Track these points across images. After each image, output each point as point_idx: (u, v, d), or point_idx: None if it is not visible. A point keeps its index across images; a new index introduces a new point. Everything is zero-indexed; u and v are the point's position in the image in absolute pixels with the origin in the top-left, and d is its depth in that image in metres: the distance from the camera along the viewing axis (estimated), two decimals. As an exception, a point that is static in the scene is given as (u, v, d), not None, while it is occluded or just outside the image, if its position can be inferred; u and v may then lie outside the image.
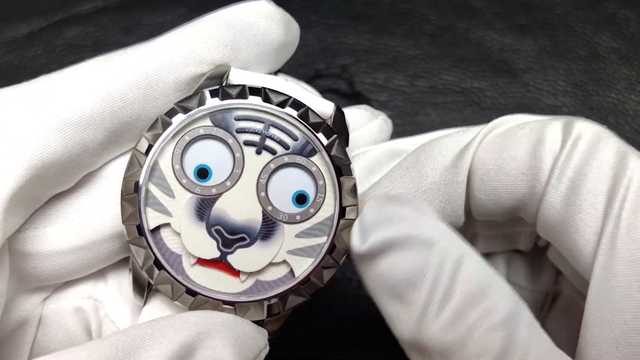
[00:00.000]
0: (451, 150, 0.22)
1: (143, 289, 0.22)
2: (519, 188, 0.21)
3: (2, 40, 0.40)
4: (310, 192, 0.22)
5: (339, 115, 0.23)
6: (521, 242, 0.25)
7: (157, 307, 0.22)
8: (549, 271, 0.21)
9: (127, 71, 0.22)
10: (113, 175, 0.23)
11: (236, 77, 0.23)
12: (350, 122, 0.24)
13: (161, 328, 0.19)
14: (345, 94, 0.40)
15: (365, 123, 0.26)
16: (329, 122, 0.22)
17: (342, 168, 0.22)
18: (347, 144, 0.23)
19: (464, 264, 0.19)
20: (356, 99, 0.39)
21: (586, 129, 0.20)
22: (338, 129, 0.22)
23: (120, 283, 0.24)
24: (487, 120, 0.23)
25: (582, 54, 0.41)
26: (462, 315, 0.18)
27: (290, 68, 0.39)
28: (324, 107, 0.23)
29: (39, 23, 0.41)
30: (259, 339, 0.20)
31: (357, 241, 0.20)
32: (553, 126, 0.21)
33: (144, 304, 0.23)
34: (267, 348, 0.21)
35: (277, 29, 0.24)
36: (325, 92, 0.39)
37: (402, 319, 0.19)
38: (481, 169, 0.21)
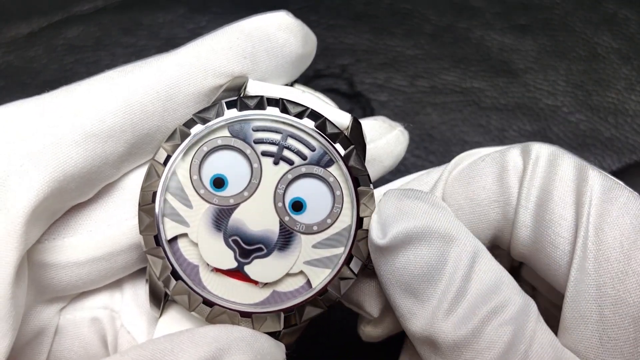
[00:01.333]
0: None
1: (160, 299, 0.22)
2: (493, 215, 0.21)
3: (2, 40, 0.40)
4: (327, 202, 0.22)
5: (356, 126, 0.23)
6: None
7: (173, 318, 0.22)
8: (524, 288, 0.21)
9: (147, 83, 0.22)
10: (132, 186, 0.23)
11: (254, 88, 0.23)
12: (367, 133, 0.24)
13: (181, 343, 0.19)
14: (345, 94, 0.40)
15: (382, 135, 0.26)
16: (346, 133, 0.22)
17: (359, 178, 0.22)
18: (364, 155, 0.23)
19: (478, 259, 0.20)
20: (356, 99, 0.39)
21: (543, 150, 0.21)
22: (355, 140, 0.22)
23: (137, 294, 0.24)
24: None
25: (582, 54, 0.41)
26: (475, 310, 0.19)
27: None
28: (341, 118, 0.23)
29: (40, 23, 0.41)
30: (277, 353, 0.20)
31: (377, 234, 0.20)
32: (512, 152, 0.22)
33: (160, 314, 0.23)
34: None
35: (296, 42, 0.24)
36: (325, 92, 0.39)
37: (415, 314, 0.19)
38: (454, 204, 0.22)
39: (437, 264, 0.19)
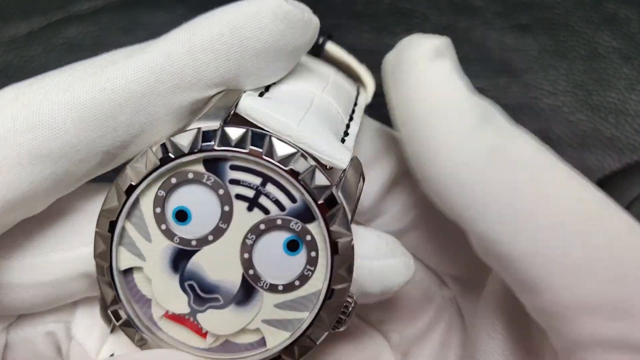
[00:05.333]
0: None
1: (109, 320, 0.21)
2: None
3: (1, 39, 0.40)
4: (299, 262, 0.19)
5: (354, 171, 0.20)
6: None
7: (123, 336, 0.21)
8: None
9: (109, 96, 0.19)
10: (90, 209, 0.21)
11: (245, 107, 0.20)
12: (365, 251, 0.21)
13: None
14: (346, 94, 0.40)
15: (383, 257, 0.21)
16: (339, 182, 0.20)
17: (339, 244, 0.19)
18: (353, 212, 0.20)
19: None
20: (356, 98, 0.39)
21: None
22: (347, 191, 0.19)
23: (92, 305, 0.23)
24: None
25: (583, 53, 0.41)
26: None
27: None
28: (338, 160, 0.19)
29: (39, 22, 0.41)
30: None
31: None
32: None
33: (111, 331, 0.21)
34: None
35: (294, 34, 0.20)
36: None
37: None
38: None
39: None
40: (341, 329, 0.20)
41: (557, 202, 0.17)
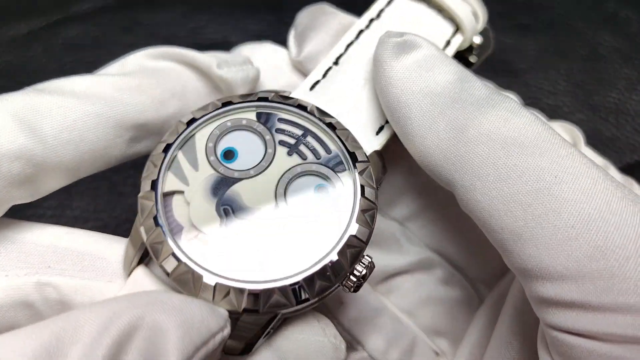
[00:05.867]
0: None
1: (140, 240, 0.22)
2: None
3: (2, 39, 0.40)
4: (327, 203, 0.22)
5: (376, 157, 0.23)
6: None
7: (141, 277, 0.21)
8: None
9: (49, 131, 0.21)
10: (28, 243, 0.22)
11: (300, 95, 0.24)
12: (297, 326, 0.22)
13: (104, 311, 0.17)
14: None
15: (312, 334, 0.22)
16: (371, 153, 0.23)
17: (366, 190, 0.22)
18: (378, 179, 0.23)
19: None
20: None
21: None
22: (374, 166, 0.23)
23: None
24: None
25: (583, 53, 0.41)
26: None
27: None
28: (368, 149, 0.23)
29: (39, 22, 0.41)
30: (210, 321, 0.18)
31: (393, 36, 0.22)
32: None
33: (132, 271, 0.22)
34: (227, 330, 0.19)
35: (243, 77, 0.25)
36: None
37: (426, 101, 0.21)
38: None
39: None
40: (359, 289, 0.21)
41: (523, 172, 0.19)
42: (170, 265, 0.20)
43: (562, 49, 0.41)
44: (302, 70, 0.26)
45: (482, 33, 0.29)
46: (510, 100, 0.20)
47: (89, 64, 0.39)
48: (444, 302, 0.28)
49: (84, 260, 0.22)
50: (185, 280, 0.20)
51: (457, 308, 0.28)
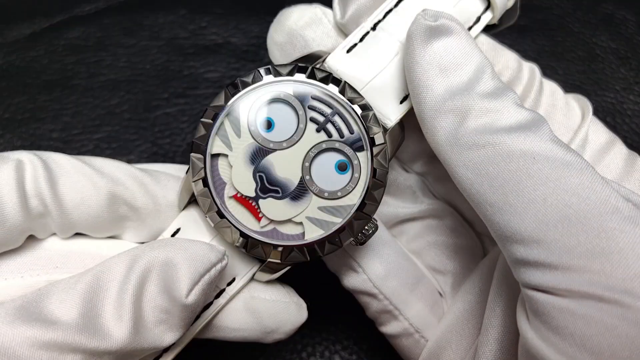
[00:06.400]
0: None
1: (191, 191, 0.26)
2: None
3: (4, 40, 0.40)
4: (345, 178, 0.25)
5: (397, 128, 0.26)
6: None
7: (192, 213, 0.26)
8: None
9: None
10: (39, 249, 0.25)
11: (329, 63, 0.26)
12: (266, 309, 0.27)
13: (129, 254, 0.23)
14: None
15: (282, 297, 0.27)
16: (388, 129, 0.26)
17: (377, 171, 0.25)
18: (393, 153, 0.26)
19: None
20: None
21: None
22: (392, 137, 0.26)
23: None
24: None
25: (581, 54, 0.41)
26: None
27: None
28: (388, 119, 0.26)
29: (41, 24, 0.41)
30: (211, 255, 0.23)
31: (428, 19, 0.24)
32: None
33: (184, 207, 0.26)
34: (224, 262, 0.24)
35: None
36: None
37: (440, 86, 0.23)
38: None
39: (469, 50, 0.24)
40: (364, 244, 0.26)
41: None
42: (214, 218, 0.25)
43: (559, 50, 0.41)
44: (345, 32, 0.28)
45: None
46: (513, 96, 0.23)
47: (91, 65, 0.40)
48: (449, 246, 0.30)
49: (86, 259, 0.25)
50: (223, 230, 0.25)
51: (462, 254, 0.30)
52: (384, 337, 0.29)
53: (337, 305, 0.34)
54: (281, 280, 0.27)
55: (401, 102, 0.26)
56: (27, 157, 0.24)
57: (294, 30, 0.28)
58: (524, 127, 0.22)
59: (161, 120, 0.38)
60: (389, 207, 0.30)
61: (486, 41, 0.29)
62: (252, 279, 0.27)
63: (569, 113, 0.29)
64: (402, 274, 0.28)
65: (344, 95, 0.25)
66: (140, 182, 0.25)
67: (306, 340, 0.34)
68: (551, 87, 0.29)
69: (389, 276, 0.28)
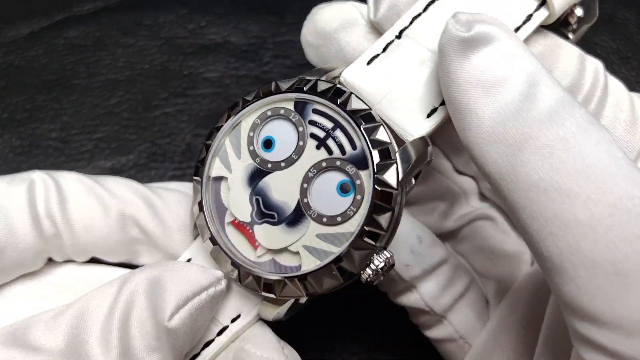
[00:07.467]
0: None
1: (192, 229, 0.25)
2: None
3: (3, 40, 0.40)
4: (346, 201, 0.22)
5: (420, 144, 0.22)
6: None
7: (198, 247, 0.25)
8: None
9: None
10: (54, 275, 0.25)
11: (345, 76, 0.23)
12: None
13: (120, 278, 0.22)
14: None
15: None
16: (403, 145, 0.22)
17: (382, 192, 0.21)
18: (411, 174, 0.22)
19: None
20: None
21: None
22: (406, 154, 0.22)
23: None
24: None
25: (581, 54, 0.41)
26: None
27: (290, 68, 0.39)
28: (406, 133, 0.22)
29: (40, 23, 0.41)
30: (202, 278, 0.22)
31: (460, 28, 0.20)
32: None
33: (195, 237, 0.25)
34: (219, 287, 0.22)
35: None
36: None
37: (487, 109, 0.19)
38: None
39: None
40: (374, 283, 0.21)
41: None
42: (208, 246, 0.23)
43: (560, 49, 0.41)
44: (380, 30, 0.25)
45: (585, 1, 0.25)
46: (578, 114, 0.19)
47: (90, 64, 0.40)
48: (495, 250, 0.28)
49: (99, 285, 0.24)
50: (218, 259, 0.23)
51: (508, 259, 0.28)
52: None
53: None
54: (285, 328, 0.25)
55: (428, 116, 0.22)
56: (39, 177, 0.23)
57: (328, 33, 0.25)
58: (595, 168, 0.18)
59: (160, 120, 0.38)
60: (437, 214, 0.29)
61: (542, 41, 0.24)
62: (257, 316, 0.24)
63: (632, 128, 0.24)
64: (454, 288, 0.27)
65: (346, 107, 0.22)
66: (150, 204, 0.25)
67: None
68: (617, 96, 0.25)
69: (443, 295, 0.27)
